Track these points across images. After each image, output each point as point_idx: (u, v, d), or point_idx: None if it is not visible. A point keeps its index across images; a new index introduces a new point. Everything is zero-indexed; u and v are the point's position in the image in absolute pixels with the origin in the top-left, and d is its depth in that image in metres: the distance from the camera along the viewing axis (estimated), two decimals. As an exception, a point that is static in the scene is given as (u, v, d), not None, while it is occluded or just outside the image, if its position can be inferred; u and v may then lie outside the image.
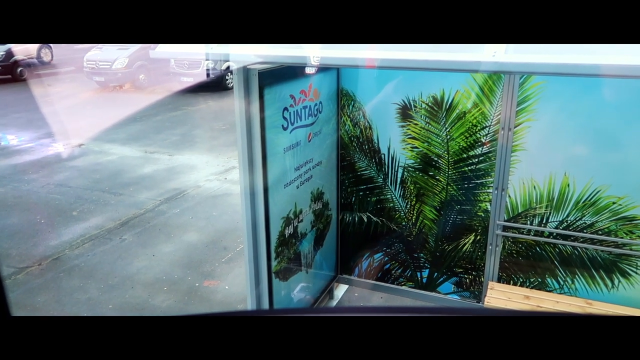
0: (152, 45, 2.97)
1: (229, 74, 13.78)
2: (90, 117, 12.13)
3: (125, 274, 5.20)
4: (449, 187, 3.92)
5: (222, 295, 4.82)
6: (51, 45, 19.26)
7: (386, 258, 4.36)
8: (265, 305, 3.41)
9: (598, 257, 3.66)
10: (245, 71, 2.92)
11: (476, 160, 3.77)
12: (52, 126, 11.32)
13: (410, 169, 4.00)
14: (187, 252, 5.64)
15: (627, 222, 3.49)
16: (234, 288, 4.92)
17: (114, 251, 5.69)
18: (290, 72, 3.32)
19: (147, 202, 7.06)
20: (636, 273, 3.58)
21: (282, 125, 3.31)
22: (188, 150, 9.53)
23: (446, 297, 4.22)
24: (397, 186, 4.09)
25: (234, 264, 5.35)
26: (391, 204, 4.16)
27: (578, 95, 3.38)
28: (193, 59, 13.79)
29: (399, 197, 4.11)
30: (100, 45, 15.77)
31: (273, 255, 3.42)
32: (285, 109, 3.31)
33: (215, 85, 14.80)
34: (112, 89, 15.37)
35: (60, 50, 20.52)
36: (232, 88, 3.05)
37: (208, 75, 14.56)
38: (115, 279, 5.12)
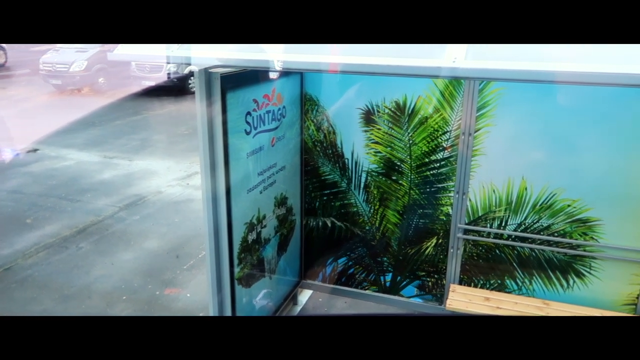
0: (111, 48, 2.88)
1: (192, 77, 13.58)
2: (47, 122, 11.72)
3: (81, 284, 5.03)
4: (411, 192, 3.97)
5: (184, 304, 4.71)
6: (4, 46, 18.54)
7: (350, 262, 4.37)
8: (228, 312, 3.35)
9: (554, 259, 3.77)
10: (207, 75, 2.88)
11: (438, 164, 3.83)
12: (6, 131, 10.87)
13: (374, 173, 4.02)
14: (148, 260, 5.50)
15: (581, 224, 3.61)
16: (195, 296, 4.82)
17: (70, 260, 5.49)
18: (253, 76, 3.30)
19: (106, 208, 6.86)
20: (590, 273, 3.71)
21: (245, 130, 3.27)
22: (149, 156, 9.32)
23: (409, 300, 4.26)
24: (361, 191, 4.11)
25: (196, 271, 5.25)
26: (355, 209, 4.17)
27: (535, 101, 3.48)
28: (154, 63, 13.54)
29: (363, 201, 4.13)
30: (57, 47, 15.28)
31: (236, 261, 3.37)
32: (248, 113, 3.27)
33: (178, 89, 14.56)
34: (70, 93, 14.91)
35: (15, 52, 19.77)
36: (194, 92, 3.00)
37: (170, 79, 14.31)
38: (72, 289, 4.94)
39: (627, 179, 3.42)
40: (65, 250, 5.71)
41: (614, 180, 3.44)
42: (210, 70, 2.88)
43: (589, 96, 3.36)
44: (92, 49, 14.73)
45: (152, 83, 14.36)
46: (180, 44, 2.63)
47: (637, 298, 3.63)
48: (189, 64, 2.83)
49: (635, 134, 3.32)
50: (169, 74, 14.13)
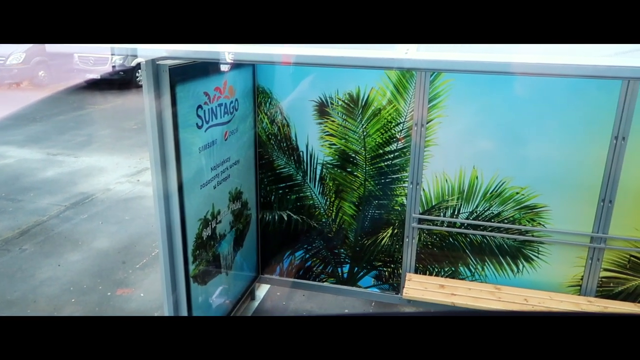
0: (49, 38, 2.72)
1: (139, 70, 13.16)
2: (-18, 117, 11.07)
3: (26, 288, 4.78)
4: (366, 183, 3.99)
5: (137, 304, 4.57)
6: None
7: (307, 255, 4.36)
8: (184, 311, 3.27)
9: (504, 245, 3.90)
10: (155, 67, 2.77)
11: (392, 155, 3.86)
12: (-64, 128, 10.20)
13: (329, 165, 4.02)
14: (97, 260, 5.30)
15: (529, 211, 3.74)
16: (149, 295, 4.69)
17: (13, 263, 5.22)
18: (204, 69, 3.21)
19: (51, 208, 6.55)
20: (538, 258, 3.85)
21: (197, 124, 3.18)
22: (96, 152, 8.97)
23: (367, 290, 4.30)
24: (317, 183, 4.10)
25: (149, 269, 5.11)
26: (311, 201, 4.16)
27: (484, 92, 3.56)
28: (99, 55, 13.02)
29: (319, 194, 4.12)
30: (-9, 39, 14.41)
31: (190, 258, 3.29)
32: (200, 106, 3.18)
33: (124, 82, 14.05)
34: (8, 87, 14.11)
35: (-56, 44, 18.52)
36: (142, 85, 2.88)
37: (116, 71, 13.79)
38: (15, 294, 4.69)
39: (571, 167, 3.56)
40: (8, 253, 5.42)
41: (559, 167, 3.58)
42: (158, 62, 2.78)
43: (535, 87, 3.47)
44: (30, 41, 13.98)
45: (96, 76, 13.79)
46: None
47: (582, 279, 3.81)
48: (136, 56, 2.72)
49: (578, 124, 3.46)
50: (114, 66, 13.61)
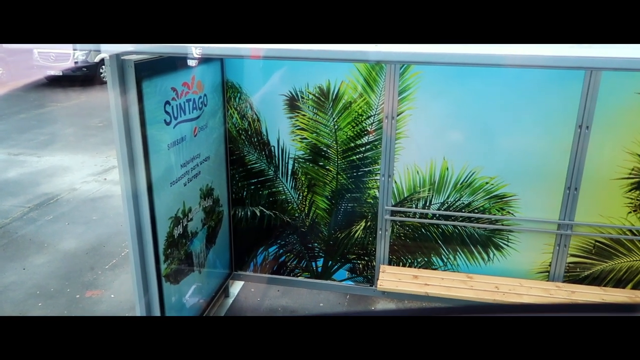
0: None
1: (103, 66, 12.81)
2: (-63, 117, 10.60)
3: (-10, 293, 4.62)
4: (339, 177, 3.99)
5: (107, 305, 4.47)
6: None
7: (281, 251, 4.34)
8: (156, 311, 3.21)
9: (475, 234, 3.96)
10: (120, 62, 2.69)
11: (363, 149, 3.87)
12: None
13: (301, 160, 4.00)
14: (65, 262, 5.15)
15: (499, 200, 3.81)
16: (120, 296, 4.59)
17: (-25, 268, 5.02)
18: (171, 64, 3.13)
19: (14, 210, 6.33)
20: (508, 246, 3.93)
21: (165, 120, 3.11)
22: (60, 151, 8.70)
23: (341, 284, 4.31)
24: (289, 178, 4.07)
25: (119, 270, 4.99)
26: (283, 196, 4.14)
27: (453, 84, 3.60)
28: (60, 51, 12.62)
29: (291, 188, 4.10)
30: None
31: (162, 257, 3.23)
32: (167, 102, 3.11)
33: (88, 78, 13.66)
34: (-37, 85, 13.56)
35: None
36: (107, 82, 2.79)
37: (78, 67, 13.38)
38: (-22, 300, 4.52)
39: (538, 156, 3.64)
40: (-32, 258, 5.21)
41: (526, 157, 3.66)
42: (123, 58, 2.70)
43: (502, 79, 3.52)
44: (-14, 37, 13.43)
45: (58, 73, 13.37)
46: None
47: (550, 265, 3.91)
48: (99, 51, 2.64)
49: (543, 114, 3.54)
50: (76, 62, 13.21)
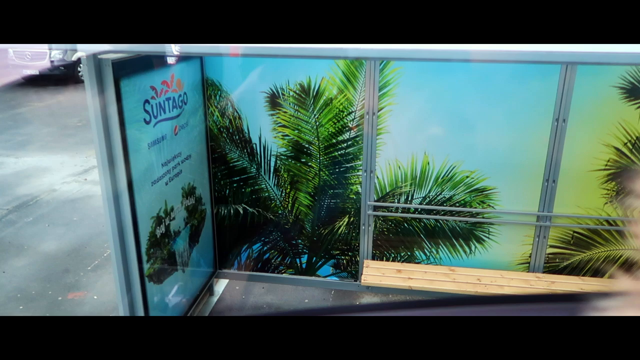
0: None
1: (81, 65, 12.60)
2: None
3: (-31, 297, 4.54)
4: (321, 173, 4.00)
5: (91, 307, 4.43)
6: None
7: (265, 248, 4.34)
8: (140, 312, 3.19)
9: (457, 227, 4.01)
10: (97, 61, 2.66)
11: (345, 145, 3.89)
12: None
13: (283, 157, 4.00)
14: (45, 264, 5.08)
15: (479, 193, 3.86)
16: (103, 297, 4.55)
17: (-47, 272, 4.93)
18: (149, 62, 3.11)
19: (-9, 212, 6.22)
20: (489, 238, 3.99)
21: (144, 119, 3.09)
22: (38, 151, 8.56)
23: (326, 279, 4.33)
24: (271, 175, 4.07)
25: (101, 271, 4.95)
26: (266, 194, 4.13)
27: (432, 79, 3.63)
28: (36, 50, 12.39)
29: (274, 186, 4.10)
30: None
31: (144, 257, 3.20)
32: (147, 101, 3.09)
33: (65, 77, 13.43)
34: (-64, 85, 13.23)
35: None
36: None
37: (55, 66, 13.15)
38: (-43, 305, 4.44)
39: (516, 149, 3.70)
40: (-55, 262, 5.11)
41: (505, 150, 3.71)
42: (100, 57, 2.67)
43: (481, 74, 3.56)
44: (-41, 35, 13.11)
45: (34, 72, 13.11)
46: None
47: (530, 257, 3.98)
48: (76, 50, 2.60)
49: (521, 108, 3.59)
50: (52, 61, 12.98)
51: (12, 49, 12.75)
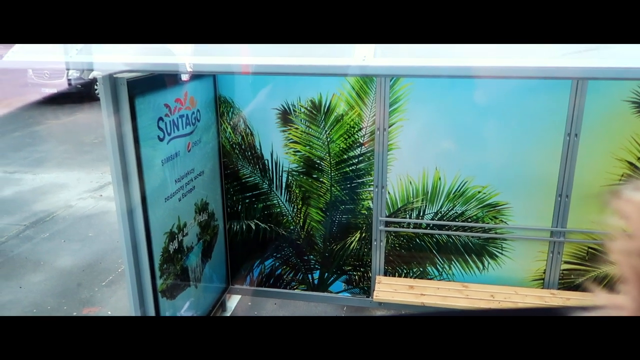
0: (0, 54, 2.65)
1: (97, 83, 12.82)
2: None
3: (-15, 312, 4.60)
4: (332, 188, 4.02)
5: (105, 322, 4.45)
6: None
7: (277, 263, 4.35)
8: (152, 327, 3.21)
9: (470, 243, 3.98)
10: (112, 80, 2.73)
11: (356, 160, 3.90)
12: None
13: (295, 172, 4.03)
14: (61, 280, 5.14)
15: (491, 209, 3.84)
16: (117, 312, 4.58)
17: (-29, 287, 5.01)
18: (163, 80, 3.17)
19: (9, 228, 6.32)
20: (502, 254, 3.96)
21: (158, 136, 3.14)
22: (55, 168, 8.71)
23: (338, 295, 4.32)
24: (283, 191, 4.10)
25: (115, 286, 4.99)
26: (278, 209, 4.16)
27: (442, 95, 3.65)
28: (54, 68, 12.67)
29: (285, 201, 4.13)
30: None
31: (157, 273, 3.24)
32: (161, 118, 3.15)
33: (83, 96, 13.69)
34: (-42, 104, 13.58)
35: None
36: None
37: (73, 85, 13.42)
38: (-26, 319, 4.50)
39: (528, 164, 3.68)
40: (-36, 277, 5.20)
41: (517, 165, 3.70)
42: (115, 76, 2.73)
43: (491, 88, 3.57)
44: (-19, 56, 13.47)
45: (53, 90, 13.40)
46: (82, 46, 2.48)
47: (544, 273, 3.93)
48: (91, 70, 2.67)
49: (533, 122, 3.58)
50: (70, 79, 13.26)
51: (31, 67, 13.05)
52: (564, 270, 3.90)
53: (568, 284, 3.93)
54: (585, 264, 3.88)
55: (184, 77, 3.41)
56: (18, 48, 2.51)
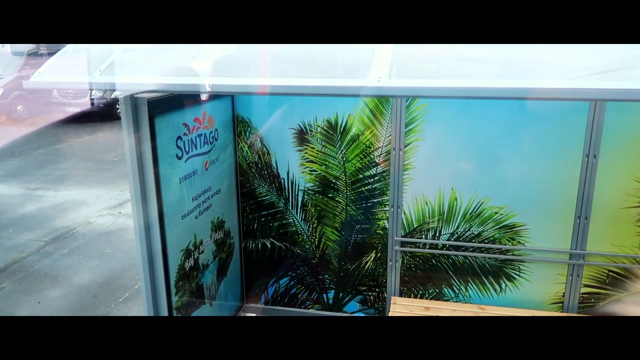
0: (28, 74, 2.75)
1: (119, 103, 13.13)
2: (-41, 154, 10.91)
3: (5, 327, 4.66)
4: (348, 208, 4.02)
5: (120, 339, 4.48)
6: None
7: (292, 282, 4.34)
8: (167, 344, 3.22)
9: (486, 264, 3.94)
10: (133, 100, 2.80)
11: (372, 180, 3.91)
12: None
13: (310, 192, 4.05)
14: (79, 296, 5.20)
15: (509, 230, 3.80)
16: (133, 329, 4.60)
17: (-9, 302, 5.10)
18: (182, 100, 3.24)
19: (30, 244, 6.44)
20: (519, 276, 3.90)
21: (177, 155, 3.20)
22: (76, 185, 8.88)
23: (352, 316, 4.28)
24: (299, 210, 4.12)
25: (132, 303, 5.03)
26: (294, 228, 4.17)
27: (458, 115, 3.65)
28: (77, 88, 13.00)
29: (301, 220, 4.14)
30: (-31, 74, 14.32)
31: (173, 290, 3.26)
32: (179, 137, 3.21)
33: (105, 115, 14.02)
34: (-15, 122, 13.98)
35: None
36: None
37: (96, 104, 13.75)
38: (-7, 334, 4.57)
39: (546, 185, 3.65)
40: (-15, 292, 5.30)
41: (535, 186, 3.66)
42: (136, 96, 2.81)
43: (508, 108, 3.57)
44: (8, 75, 13.92)
45: (76, 109, 13.74)
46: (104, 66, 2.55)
47: (563, 296, 3.86)
48: (114, 90, 2.75)
49: (551, 143, 3.56)
50: (93, 99, 13.59)
51: (56, 87, 13.41)
52: (583, 293, 3.83)
53: (588, 307, 3.85)
54: (606, 288, 3.80)
55: (203, 97, 3.48)
56: (44, 68, 2.59)
